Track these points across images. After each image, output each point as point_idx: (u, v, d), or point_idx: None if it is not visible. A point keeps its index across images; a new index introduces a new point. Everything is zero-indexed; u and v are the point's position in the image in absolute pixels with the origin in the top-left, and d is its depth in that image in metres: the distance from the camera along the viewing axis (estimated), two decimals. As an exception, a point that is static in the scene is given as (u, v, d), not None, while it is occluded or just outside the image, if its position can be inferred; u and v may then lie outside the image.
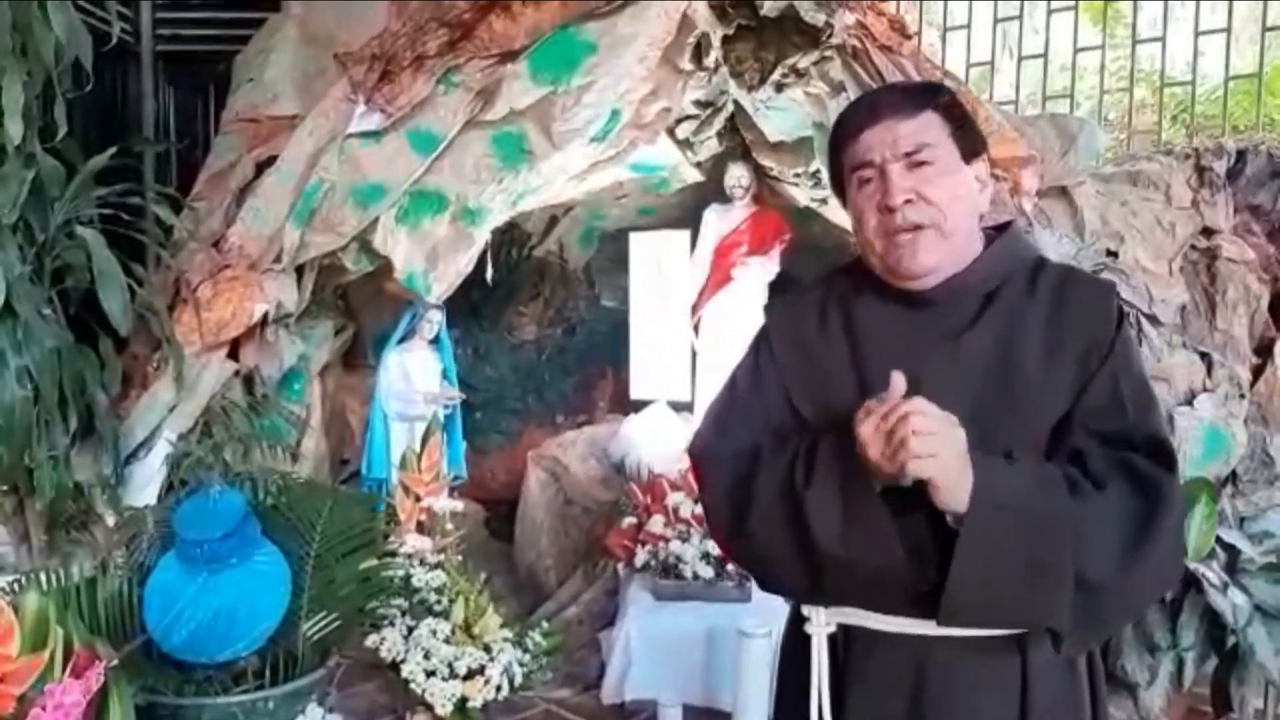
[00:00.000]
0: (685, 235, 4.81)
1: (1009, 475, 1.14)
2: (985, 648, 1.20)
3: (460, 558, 3.27)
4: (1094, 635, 1.25)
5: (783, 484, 1.22)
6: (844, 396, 1.24)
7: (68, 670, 1.57)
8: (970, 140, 1.27)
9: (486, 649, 2.75)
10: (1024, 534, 1.12)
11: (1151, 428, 1.21)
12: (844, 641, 1.27)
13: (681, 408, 4.70)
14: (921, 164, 1.21)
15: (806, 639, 1.28)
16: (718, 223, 4.71)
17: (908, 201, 1.21)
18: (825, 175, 3.96)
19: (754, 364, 1.39)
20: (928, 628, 1.20)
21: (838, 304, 1.34)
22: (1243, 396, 3.73)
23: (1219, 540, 2.98)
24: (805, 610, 1.29)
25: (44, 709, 1.49)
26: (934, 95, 1.28)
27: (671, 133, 4.21)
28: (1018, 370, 1.20)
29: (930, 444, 1.08)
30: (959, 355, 1.22)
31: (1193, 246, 3.86)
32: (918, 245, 1.22)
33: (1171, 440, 1.24)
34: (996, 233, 1.33)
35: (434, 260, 3.88)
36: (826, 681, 1.26)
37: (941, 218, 1.21)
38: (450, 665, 2.67)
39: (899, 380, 1.13)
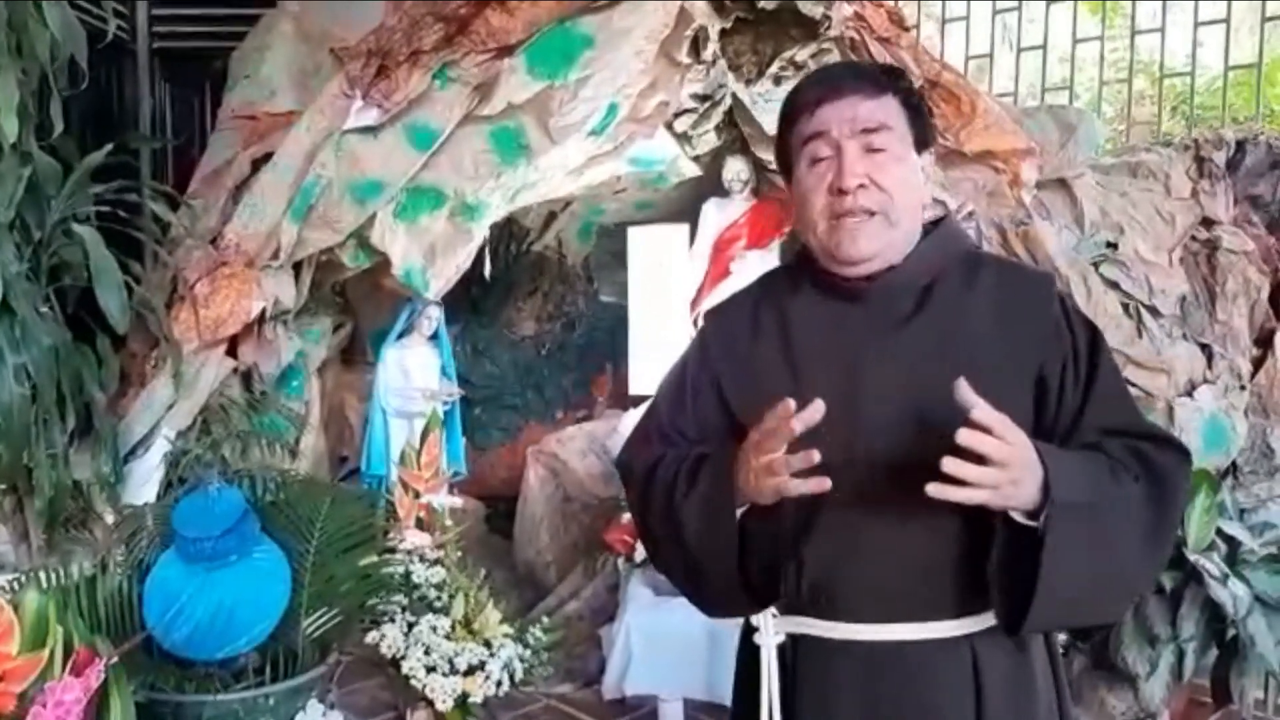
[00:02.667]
0: (684, 230, 4.79)
1: (1076, 474, 1.11)
2: (936, 648, 1.19)
3: (460, 554, 3.27)
4: (1111, 624, 1.26)
5: (668, 493, 1.22)
6: (777, 397, 1.21)
7: (68, 668, 1.57)
8: (923, 130, 1.25)
9: (487, 645, 2.76)
10: (1094, 534, 1.10)
11: (1146, 420, 1.23)
12: (793, 649, 1.25)
13: (681, 403, 4.69)
14: (877, 150, 1.19)
15: (757, 648, 1.26)
16: (716, 217, 4.69)
17: (860, 186, 1.18)
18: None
19: (680, 374, 1.37)
20: (877, 633, 1.19)
21: (773, 304, 1.31)
22: (1243, 388, 3.74)
23: (1219, 532, 2.98)
24: (754, 621, 1.27)
25: (44, 707, 1.48)
26: (896, 79, 1.26)
27: (669, 127, 4.20)
28: (960, 364, 1.16)
29: (987, 474, 1.04)
30: (897, 349, 1.20)
31: (1193, 238, 3.86)
32: (861, 231, 1.18)
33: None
34: (932, 226, 1.30)
35: (432, 256, 3.87)
36: (777, 693, 1.24)
37: (891, 205, 1.19)
38: (451, 661, 2.68)
39: (816, 406, 1.09)
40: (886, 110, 1.20)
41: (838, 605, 1.20)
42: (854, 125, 1.19)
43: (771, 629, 1.25)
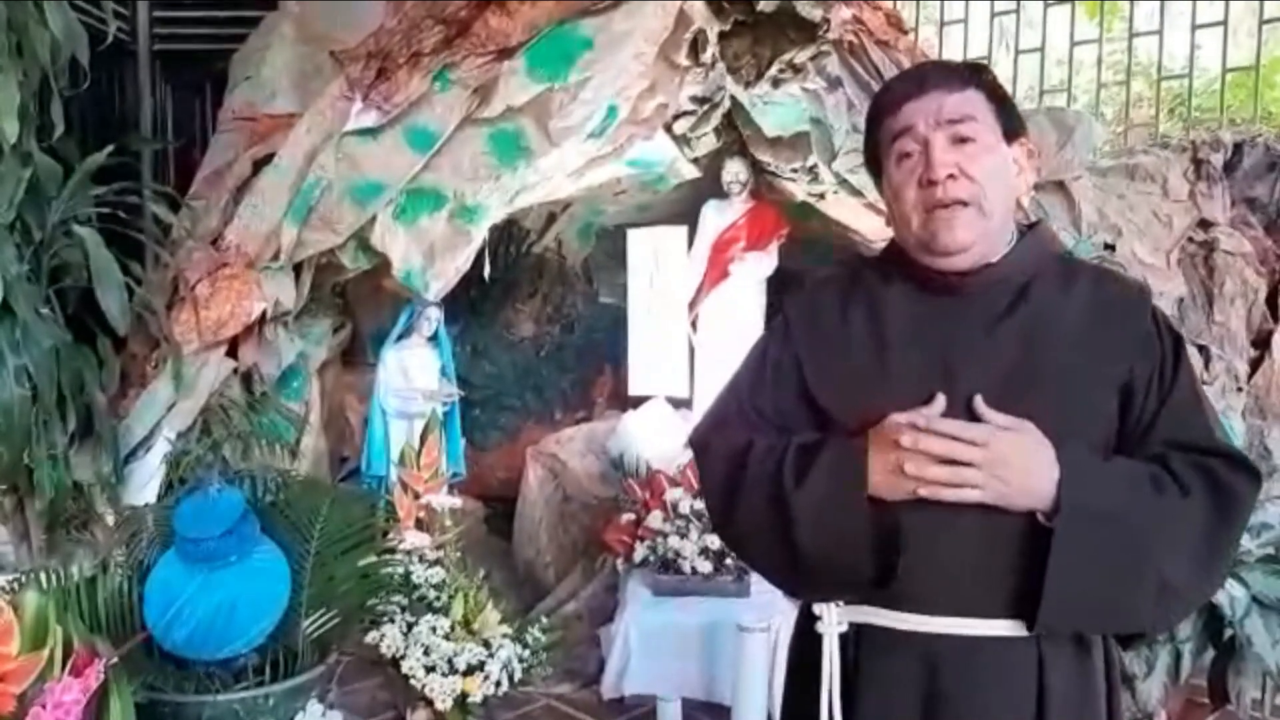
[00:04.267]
0: (683, 231, 4.80)
1: (1098, 480, 1.15)
2: (1003, 646, 1.19)
3: (459, 554, 3.28)
4: (1160, 632, 1.27)
5: (772, 483, 1.22)
6: (867, 388, 1.23)
7: (67, 669, 1.57)
8: (1011, 120, 1.26)
9: (486, 645, 2.76)
10: (1115, 540, 1.12)
11: (1218, 437, 1.23)
12: (855, 640, 1.25)
13: (680, 404, 4.70)
14: (964, 140, 1.20)
15: (817, 638, 1.26)
16: (715, 218, 4.70)
17: (950, 176, 1.19)
18: (822, 171, 3.95)
19: (761, 357, 1.37)
20: (943, 625, 1.19)
21: (863, 294, 1.31)
22: (1240, 389, 3.74)
23: (1216, 533, 2.98)
24: (817, 609, 1.27)
25: (44, 707, 1.49)
26: (979, 72, 1.27)
27: (669, 129, 4.21)
28: (1050, 366, 1.19)
29: (967, 475, 1.12)
30: (989, 347, 1.21)
31: (1190, 239, 3.87)
32: (956, 221, 1.19)
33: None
34: (1028, 229, 1.32)
35: (432, 257, 3.88)
36: (838, 682, 1.24)
37: (982, 194, 1.20)
38: (450, 661, 2.69)
39: (939, 401, 1.16)
40: (971, 103, 1.22)
41: (907, 595, 1.20)
42: (939, 117, 1.20)
43: (835, 618, 1.25)
